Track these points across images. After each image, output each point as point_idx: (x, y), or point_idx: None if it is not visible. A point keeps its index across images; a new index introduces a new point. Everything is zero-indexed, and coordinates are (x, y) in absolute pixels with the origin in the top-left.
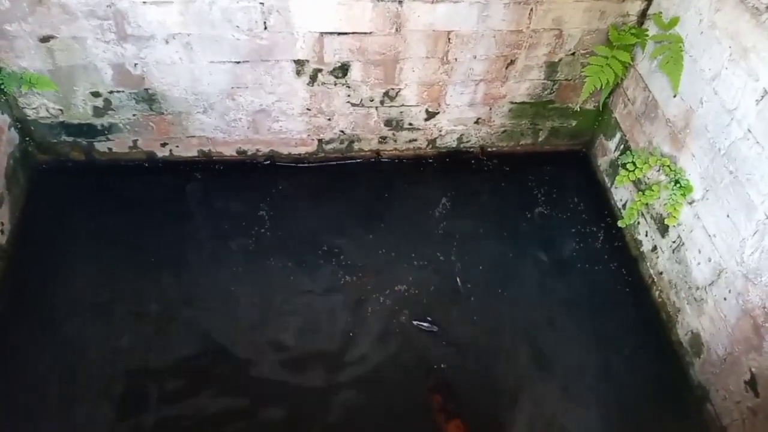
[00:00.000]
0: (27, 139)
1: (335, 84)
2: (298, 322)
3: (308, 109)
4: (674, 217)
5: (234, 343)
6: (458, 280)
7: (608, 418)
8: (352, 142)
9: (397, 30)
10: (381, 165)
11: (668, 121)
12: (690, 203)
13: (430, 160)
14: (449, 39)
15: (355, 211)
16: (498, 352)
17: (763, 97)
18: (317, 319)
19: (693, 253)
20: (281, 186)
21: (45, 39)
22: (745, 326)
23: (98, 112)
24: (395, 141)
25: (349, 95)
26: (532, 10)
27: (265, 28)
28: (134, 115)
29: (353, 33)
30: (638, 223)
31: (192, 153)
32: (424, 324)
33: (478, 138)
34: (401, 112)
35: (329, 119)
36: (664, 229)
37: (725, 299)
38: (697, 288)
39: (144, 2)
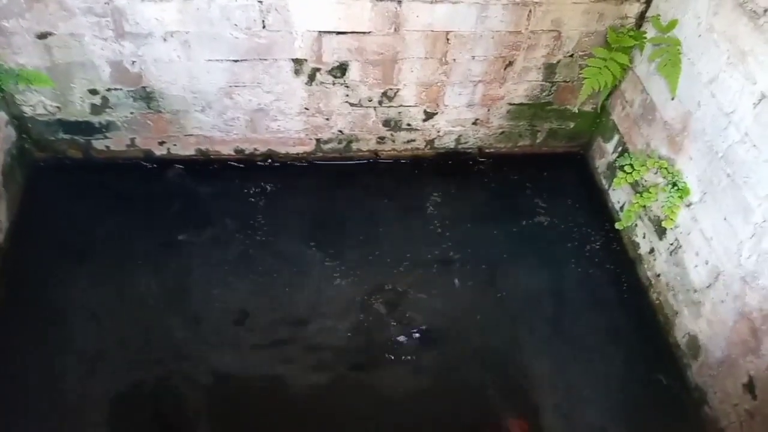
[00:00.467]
0: (24, 136)
1: (334, 83)
2: (295, 322)
3: (306, 109)
4: (672, 219)
5: (231, 341)
6: (456, 281)
7: (606, 421)
8: (350, 142)
9: (395, 30)
10: (379, 165)
11: (666, 124)
12: (687, 206)
13: (428, 161)
14: (448, 39)
15: (353, 212)
16: (493, 354)
17: (760, 100)
18: (313, 320)
19: (690, 256)
20: (279, 185)
21: (42, 36)
22: (742, 329)
23: (96, 109)
24: (393, 141)
25: (347, 95)
26: (530, 11)
27: (264, 26)
28: (132, 113)
29: (352, 32)
30: (636, 225)
31: (190, 151)
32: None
33: (476, 139)
34: (399, 113)
35: (327, 119)
36: (661, 232)
37: (723, 302)
38: (695, 291)
39: (142, 0)
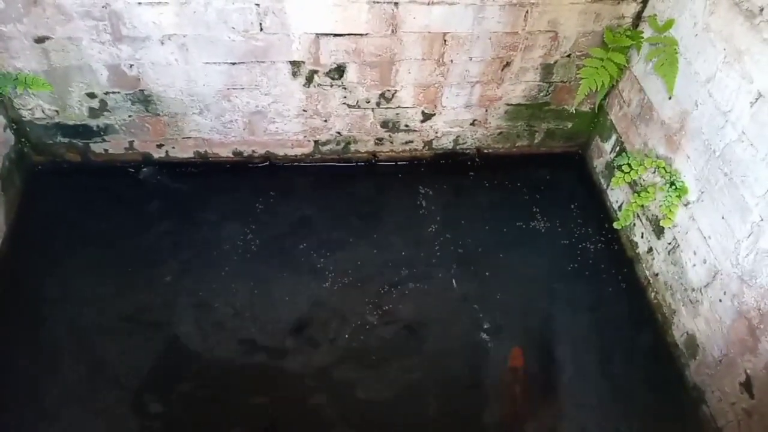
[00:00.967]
0: (22, 140)
1: (331, 85)
2: (293, 323)
3: (304, 111)
4: (670, 218)
5: (228, 339)
6: (453, 281)
7: (604, 419)
8: (348, 143)
9: (393, 32)
10: (377, 167)
11: (663, 123)
12: (685, 205)
13: (427, 162)
14: (445, 41)
15: (351, 213)
16: (491, 353)
17: (757, 99)
18: (311, 321)
19: (688, 255)
20: (277, 187)
21: (40, 40)
22: (740, 328)
23: (94, 113)
24: (391, 143)
25: (345, 97)
26: (527, 12)
27: (261, 29)
28: (130, 116)
29: (349, 34)
30: (634, 224)
31: (188, 154)
32: None
33: (474, 140)
34: (397, 114)
35: (325, 121)
36: (659, 231)
37: (720, 301)
38: (693, 289)
39: (139, 3)
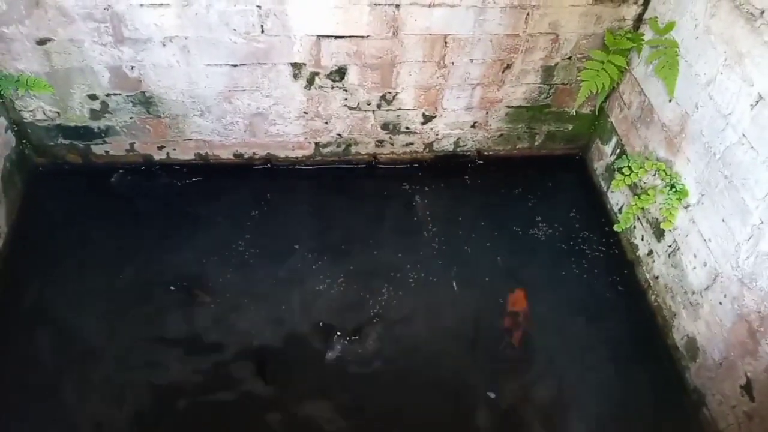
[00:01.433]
0: (24, 141)
1: (332, 87)
2: (295, 324)
3: (305, 113)
4: (670, 221)
5: (228, 340)
6: (454, 283)
7: (604, 423)
8: (349, 145)
9: (394, 34)
10: (378, 169)
11: (664, 126)
12: (685, 208)
13: (427, 164)
14: (446, 43)
15: (351, 215)
16: (490, 355)
17: (757, 102)
18: (310, 323)
19: (688, 258)
20: (278, 189)
21: (42, 42)
22: (740, 331)
23: (95, 114)
24: (392, 145)
25: (346, 99)
26: (528, 14)
27: (263, 31)
28: (131, 118)
29: (350, 37)
30: (634, 227)
31: (189, 156)
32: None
33: (474, 142)
34: (398, 116)
35: (326, 123)
36: (659, 234)
37: (721, 304)
38: (693, 292)
39: (141, 5)
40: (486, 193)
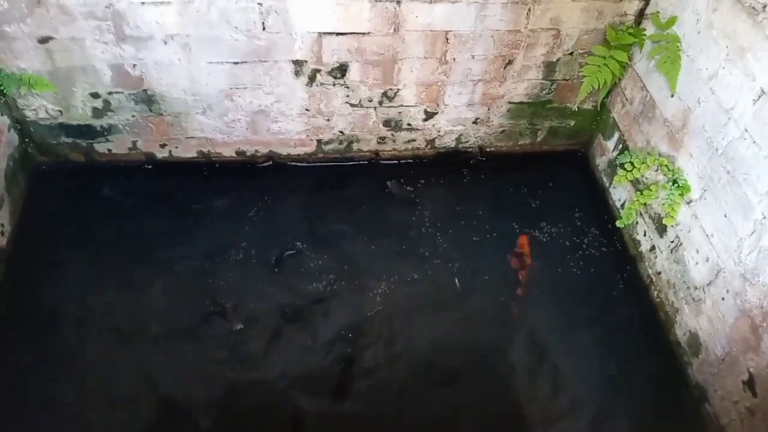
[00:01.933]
0: (26, 140)
1: (334, 84)
2: (295, 326)
3: (307, 110)
4: (672, 216)
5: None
6: (456, 281)
7: (606, 418)
8: (351, 142)
9: (395, 30)
10: (380, 165)
11: (666, 121)
12: (688, 203)
13: (429, 161)
14: (447, 39)
15: (353, 212)
16: (495, 351)
17: (759, 96)
18: (309, 324)
19: (691, 253)
20: (280, 186)
21: (44, 40)
22: (742, 326)
23: (97, 113)
24: (394, 141)
25: (347, 96)
26: (529, 10)
27: (264, 28)
28: (133, 116)
29: (351, 33)
30: (636, 222)
31: (191, 154)
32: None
33: (476, 138)
34: (400, 113)
35: (328, 120)
36: (662, 229)
37: (723, 299)
38: (695, 288)
39: (142, 3)
40: (488, 189)
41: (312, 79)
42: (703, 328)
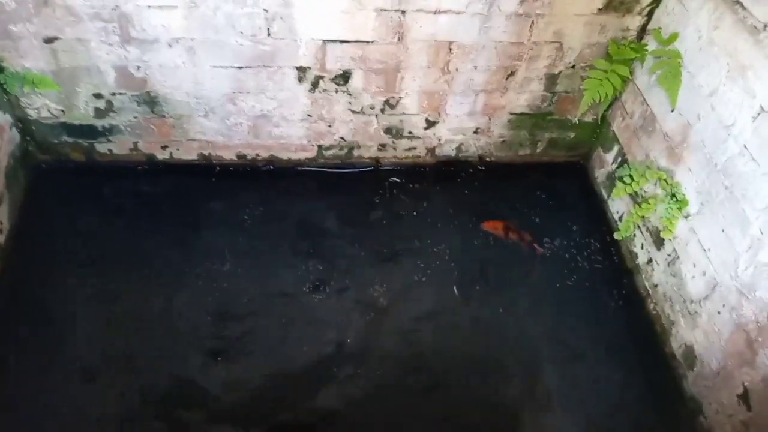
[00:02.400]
0: (28, 138)
1: (336, 91)
2: (296, 327)
3: (309, 116)
4: (670, 230)
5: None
6: (455, 288)
7: (600, 430)
8: (351, 149)
9: (399, 39)
10: (380, 173)
11: (666, 136)
12: (686, 217)
13: (429, 169)
14: (450, 49)
15: (351, 219)
16: (489, 361)
17: (759, 114)
18: (308, 328)
19: (688, 267)
20: (280, 191)
21: (49, 40)
22: (738, 340)
23: (100, 113)
24: (395, 149)
25: (349, 102)
26: (533, 22)
27: (269, 34)
28: (135, 117)
29: (355, 41)
30: (634, 235)
31: (192, 156)
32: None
33: (477, 148)
34: (401, 121)
35: (330, 126)
36: (659, 242)
37: (719, 313)
38: (692, 301)
39: (149, 6)
40: (486, 199)
41: (315, 85)
42: (699, 341)
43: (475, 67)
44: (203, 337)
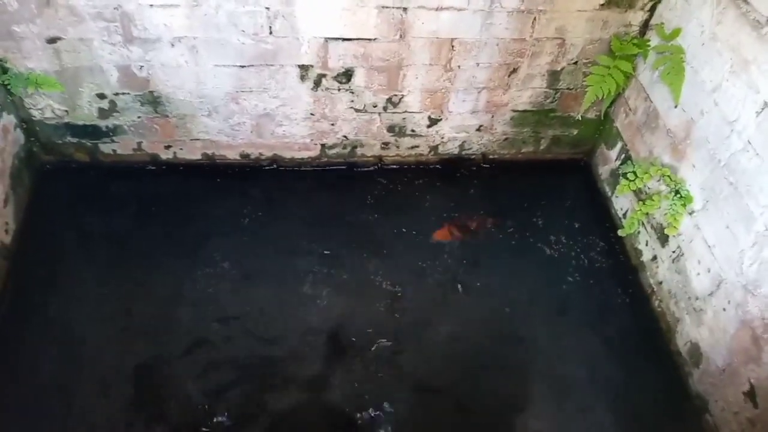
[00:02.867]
0: (32, 139)
1: (339, 89)
2: (298, 329)
3: (312, 114)
4: (674, 227)
5: (229, 337)
6: (459, 286)
7: (606, 428)
8: (354, 147)
9: (401, 37)
10: (383, 171)
11: (669, 132)
12: (690, 213)
13: (432, 167)
14: (453, 46)
15: (355, 217)
16: (494, 360)
17: (763, 109)
18: (311, 333)
19: (692, 264)
20: (283, 190)
21: (52, 40)
22: (744, 337)
23: (103, 113)
24: (397, 147)
25: (352, 101)
26: (535, 19)
27: (271, 32)
28: (139, 117)
29: (358, 39)
30: (638, 232)
31: (196, 156)
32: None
33: (479, 145)
34: (404, 119)
35: (332, 124)
36: (664, 239)
37: (724, 310)
38: (697, 298)
39: (151, 5)
40: (490, 196)
41: (317, 83)
42: (704, 338)
43: (478, 64)
44: (208, 339)
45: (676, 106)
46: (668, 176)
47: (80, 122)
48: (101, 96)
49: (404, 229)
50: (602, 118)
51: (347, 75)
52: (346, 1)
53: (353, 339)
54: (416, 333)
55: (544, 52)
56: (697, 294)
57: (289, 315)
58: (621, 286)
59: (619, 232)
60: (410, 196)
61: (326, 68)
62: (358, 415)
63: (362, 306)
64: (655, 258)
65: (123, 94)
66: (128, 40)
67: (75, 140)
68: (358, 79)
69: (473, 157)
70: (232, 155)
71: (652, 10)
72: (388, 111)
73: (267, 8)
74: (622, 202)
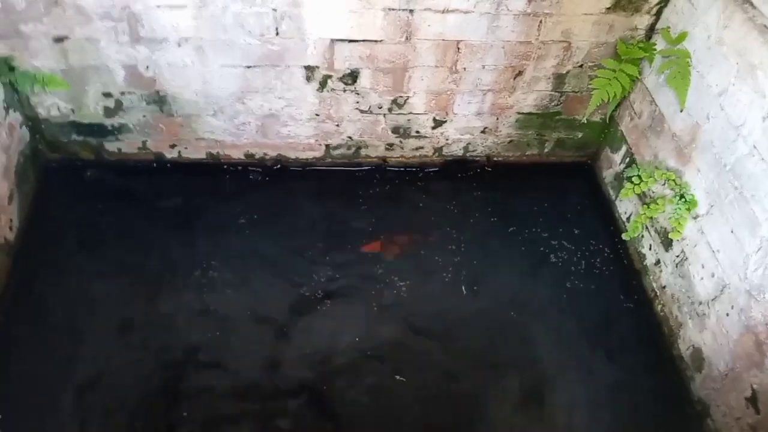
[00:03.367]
0: (37, 137)
1: (344, 90)
2: (300, 329)
3: (317, 115)
4: (678, 231)
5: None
6: (463, 288)
7: None
8: (359, 148)
9: (407, 39)
10: (387, 172)
11: (674, 136)
12: (694, 218)
13: (436, 168)
14: (458, 49)
15: (358, 218)
16: (495, 364)
17: None
18: (312, 333)
19: (696, 268)
20: (288, 190)
21: (59, 39)
22: (747, 342)
23: (109, 112)
24: (402, 148)
25: (357, 102)
26: (541, 22)
27: (277, 33)
28: (144, 116)
29: (364, 41)
30: (642, 236)
31: (200, 155)
32: None
33: (484, 147)
34: (409, 120)
35: (337, 125)
36: (668, 243)
37: (728, 315)
38: (700, 303)
39: (158, 6)
40: (494, 199)
41: (323, 84)
42: (707, 343)
43: (483, 67)
44: (210, 338)
45: (681, 110)
46: (673, 180)
47: (86, 121)
48: (107, 95)
49: (407, 231)
50: (607, 121)
51: (353, 76)
52: (353, 2)
53: (356, 339)
54: (417, 334)
55: (549, 55)
56: (700, 299)
57: (291, 312)
58: (624, 290)
59: (623, 236)
60: (414, 198)
61: (332, 69)
62: None
63: (365, 303)
64: (658, 262)
65: (129, 93)
66: (135, 39)
67: (80, 138)
68: (364, 81)
69: (477, 159)
70: (237, 155)
71: (658, 14)
72: (393, 112)
73: (274, 9)
74: (626, 205)
